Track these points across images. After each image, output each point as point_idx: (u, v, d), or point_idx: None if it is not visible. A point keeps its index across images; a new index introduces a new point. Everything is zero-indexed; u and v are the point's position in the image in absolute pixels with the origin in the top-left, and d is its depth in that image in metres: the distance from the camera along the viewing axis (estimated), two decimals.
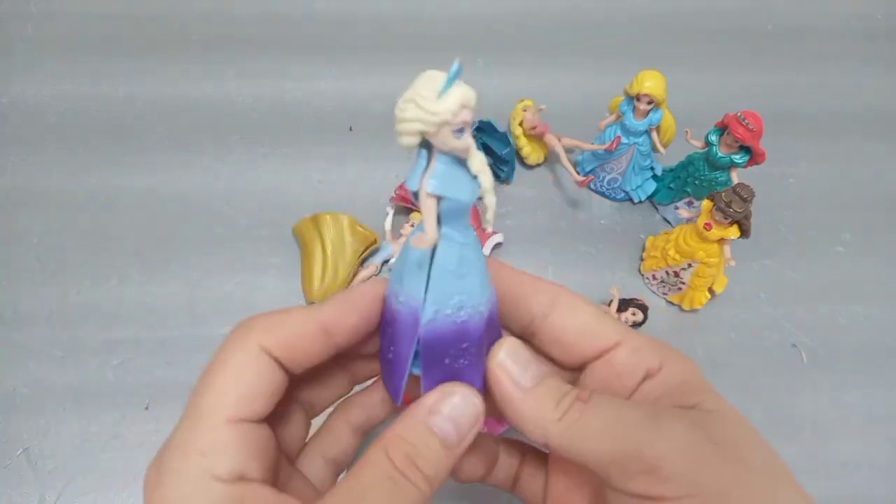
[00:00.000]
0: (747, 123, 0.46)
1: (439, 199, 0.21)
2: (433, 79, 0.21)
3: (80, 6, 0.63)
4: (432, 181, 0.21)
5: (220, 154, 0.56)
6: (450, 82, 0.20)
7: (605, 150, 0.53)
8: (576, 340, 0.25)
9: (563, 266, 0.53)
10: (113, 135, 0.57)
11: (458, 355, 0.23)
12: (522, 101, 0.55)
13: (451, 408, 0.23)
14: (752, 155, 0.48)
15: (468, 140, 0.21)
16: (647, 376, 0.24)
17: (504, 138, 0.52)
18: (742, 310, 0.52)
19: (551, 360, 0.26)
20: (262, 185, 0.55)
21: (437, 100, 0.20)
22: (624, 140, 0.52)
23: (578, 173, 0.54)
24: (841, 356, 0.50)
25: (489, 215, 0.23)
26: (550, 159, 0.58)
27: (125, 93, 0.59)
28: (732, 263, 0.47)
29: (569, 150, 0.55)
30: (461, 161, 0.22)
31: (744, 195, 0.43)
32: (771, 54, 0.67)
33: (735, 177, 0.49)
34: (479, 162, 0.22)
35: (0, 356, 0.48)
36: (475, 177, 0.22)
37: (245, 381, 0.22)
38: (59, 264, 0.51)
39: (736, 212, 0.43)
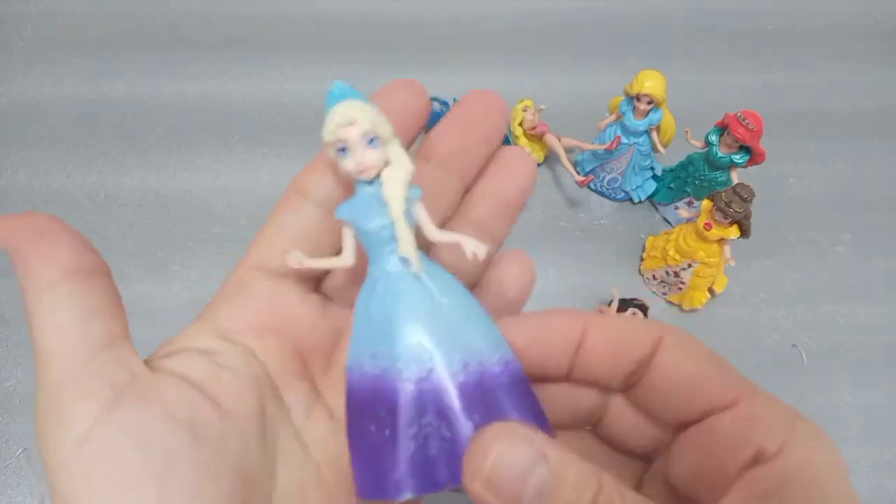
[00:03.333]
0: (747, 123, 0.46)
1: (353, 225, 0.19)
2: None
3: (80, 6, 0.63)
4: (339, 207, 0.20)
5: (220, 154, 0.56)
6: (330, 103, 0.19)
7: (605, 150, 0.53)
8: (675, 392, 0.19)
9: (563, 266, 0.53)
10: (113, 135, 0.57)
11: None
12: (522, 101, 0.55)
13: None
14: (752, 155, 0.48)
15: (353, 161, 0.19)
16: (758, 459, 0.17)
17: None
18: (742, 310, 0.52)
19: (650, 418, 0.20)
20: (262, 185, 0.55)
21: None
22: (624, 140, 0.52)
23: (578, 173, 0.54)
24: (841, 356, 0.50)
25: (401, 246, 0.18)
26: (550, 159, 0.58)
27: (125, 93, 0.59)
28: (732, 263, 0.47)
29: (569, 150, 0.55)
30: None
31: (744, 195, 0.43)
32: (771, 54, 0.67)
33: (735, 177, 0.49)
34: (390, 186, 0.19)
35: (0, 356, 0.48)
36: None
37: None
38: None
39: (736, 212, 0.43)
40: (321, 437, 0.20)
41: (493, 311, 0.20)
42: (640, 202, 0.56)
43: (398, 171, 0.19)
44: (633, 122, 0.51)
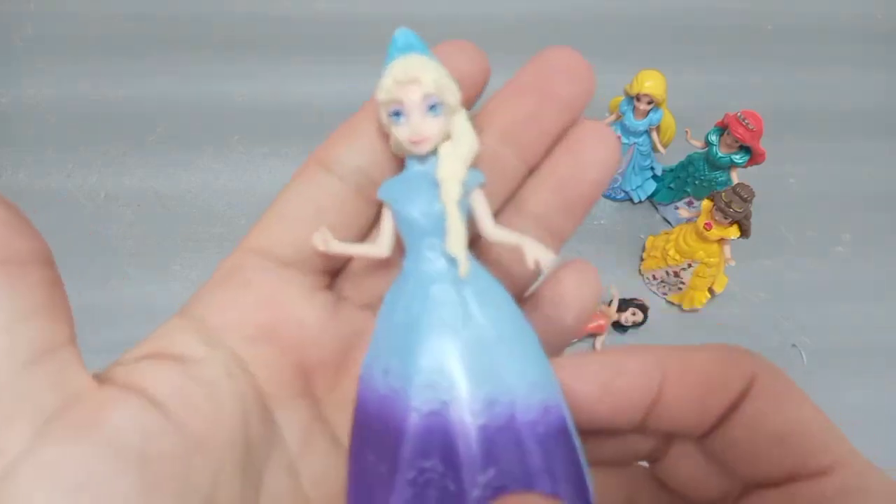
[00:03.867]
0: (747, 123, 0.46)
1: (392, 209, 0.16)
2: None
3: (80, 6, 0.63)
4: (383, 184, 0.16)
5: (220, 154, 0.56)
6: (390, 56, 0.16)
7: None
8: (760, 447, 0.15)
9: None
10: (113, 135, 0.57)
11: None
12: None
13: None
14: (752, 155, 0.48)
15: (407, 128, 0.16)
16: None
17: None
18: (742, 310, 0.52)
19: (722, 469, 0.16)
20: (262, 185, 0.55)
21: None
22: (624, 140, 0.52)
23: None
24: (841, 356, 0.50)
25: (451, 241, 0.15)
26: None
27: (125, 93, 0.59)
28: (732, 263, 0.47)
29: None
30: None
31: (744, 195, 0.43)
32: (771, 54, 0.67)
33: (735, 177, 0.49)
34: (446, 165, 0.15)
35: None
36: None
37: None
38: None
39: (736, 212, 0.43)
40: (320, 469, 0.16)
41: (542, 338, 0.16)
42: (640, 202, 0.56)
43: (460, 148, 0.16)
44: (633, 122, 0.51)
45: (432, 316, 0.15)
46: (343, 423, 0.16)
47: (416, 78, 0.15)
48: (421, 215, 0.15)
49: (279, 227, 0.17)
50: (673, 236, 0.49)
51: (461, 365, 0.14)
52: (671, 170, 0.55)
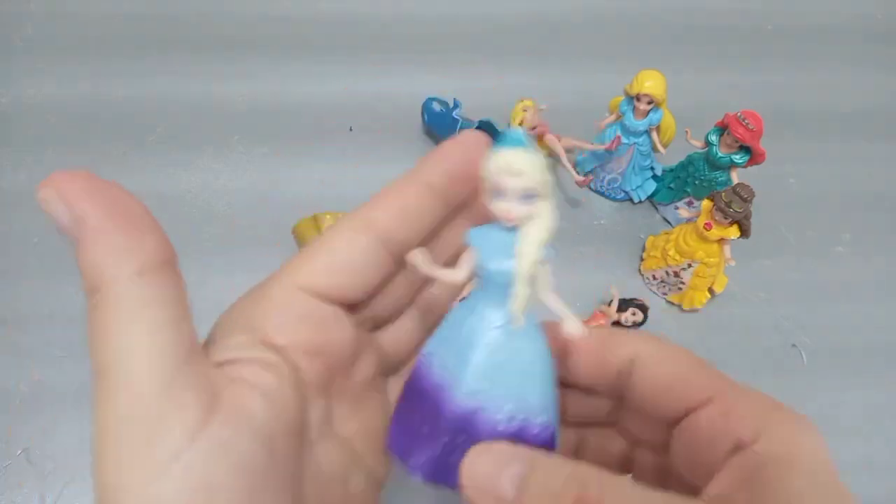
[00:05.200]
0: (747, 123, 0.46)
1: (474, 255, 0.20)
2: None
3: (80, 6, 0.63)
4: (473, 229, 0.21)
5: (220, 154, 0.56)
6: (499, 142, 0.20)
7: (605, 150, 0.53)
8: (659, 396, 0.21)
9: (564, 266, 0.53)
10: (113, 135, 0.57)
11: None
12: (522, 100, 0.55)
13: None
14: (752, 155, 0.48)
15: (503, 207, 0.20)
16: (737, 448, 0.18)
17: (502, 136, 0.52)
18: (742, 310, 0.52)
19: (642, 426, 0.23)
20: (262, 185, 0.55)
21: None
22: (624, 140, 0.52)
23: (578, 173, 0.54)
24: (841, 356, 0.50)
25: (513, 304, 0.19)
26: (550, 159, 0.58)
27: (125, 93, 0.59)
28: (732, 263, 0.47)
29: (568, 151, 0.55)
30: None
31: (744, 195, 0.43)
32: (771, 54, 0.67)
33: (735, 177, 0.49)
34: (526, 243, 0.20)
35: (0, 356, 0.48)
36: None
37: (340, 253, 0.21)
38: (59, 264, 0.51)
39: (736, 212, 0.43)
40: (352, 431, 0.22)
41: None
42: (640, 202, 0.56)
43: (539, 230, 0.20)
44: (633, 122, 0.51)
45: (487, 349, 0.20)
46: (345, 413, 0.22)
47: (520, 172, 0.19)
48: (498, 273, 0.20)
49: (325, 271, 0.20)
50: (673, 236, 0.49)
51: (499, 387, 0.19)
52: (671, 170, 0.55)
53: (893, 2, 0.69)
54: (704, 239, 0.46)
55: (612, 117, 0.53)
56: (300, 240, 0.51)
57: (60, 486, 0.44)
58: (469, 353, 0.20)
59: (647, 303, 0.50)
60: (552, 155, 0.56)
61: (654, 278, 0.52)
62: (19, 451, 0.45)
